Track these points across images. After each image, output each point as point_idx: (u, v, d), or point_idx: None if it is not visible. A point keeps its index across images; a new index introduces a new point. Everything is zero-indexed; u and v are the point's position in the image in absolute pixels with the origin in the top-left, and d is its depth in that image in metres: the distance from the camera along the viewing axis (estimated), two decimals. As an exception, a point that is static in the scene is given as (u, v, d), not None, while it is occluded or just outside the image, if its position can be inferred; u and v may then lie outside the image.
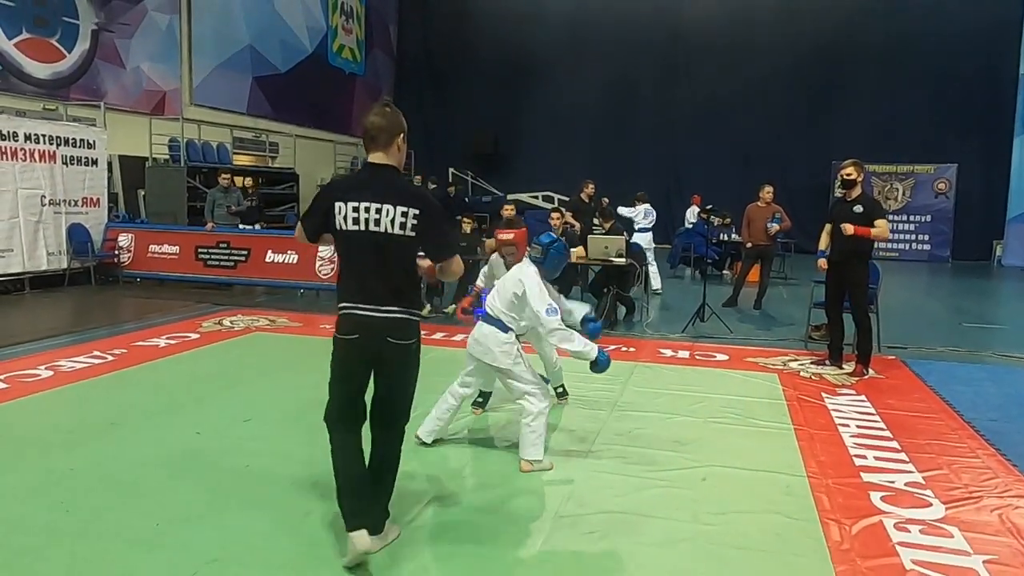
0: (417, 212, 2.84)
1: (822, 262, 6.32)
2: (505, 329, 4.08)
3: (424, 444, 4.26)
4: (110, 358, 6.32)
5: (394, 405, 3.04)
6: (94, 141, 10.98)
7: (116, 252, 11.01)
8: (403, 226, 2.84)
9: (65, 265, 10.50)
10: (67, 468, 3.92)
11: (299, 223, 3.09)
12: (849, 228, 5.93)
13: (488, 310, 4.15)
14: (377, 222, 2.84)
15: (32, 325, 7.87)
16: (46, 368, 5.91)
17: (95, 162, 11.01)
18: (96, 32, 12.54)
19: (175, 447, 4.26)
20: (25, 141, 9.88)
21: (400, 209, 2.83)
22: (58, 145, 10.36)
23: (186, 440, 4.39)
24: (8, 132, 9.66)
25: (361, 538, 2.85)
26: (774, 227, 9.45)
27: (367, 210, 2.85)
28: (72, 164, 10.59)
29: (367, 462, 3.03)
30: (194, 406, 5.06)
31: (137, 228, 11.43)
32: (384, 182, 2.90)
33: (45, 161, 10.17)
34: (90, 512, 3.40)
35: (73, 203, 10.65)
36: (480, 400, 4.91)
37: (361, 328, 2.91)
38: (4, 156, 9.59)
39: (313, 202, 3.04)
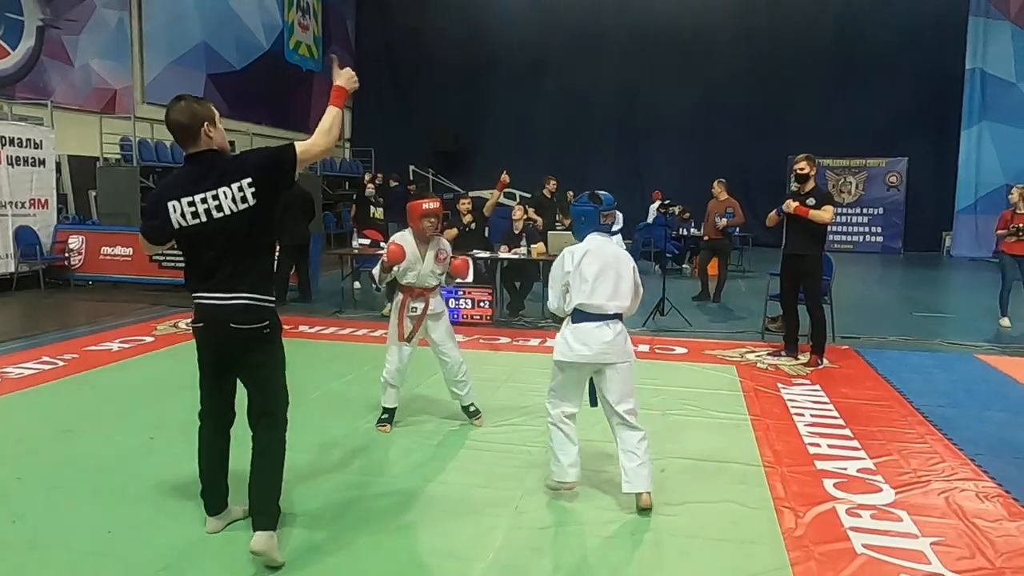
0: (250, 180, 2.83)
1: (772, 214, 6.41)
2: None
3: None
4: (60, 363, 6.15)
5: (258, 396, 3.03)
6: (41, 141, 10.67)
7: (66, 254, 10.73)
8: (244, 199, 2.84)
9: (12, 269, 10.18)
10: (14, 478, 3.81)
11: (141, 233, 3.02)
12: (791, 204, 6.09)
13: (612, 308, 3.50)
14: (219, 208, 2.83)
15: (-22, 331, 7.62)
16: (-7, 375, 5.73)
17: (43, 162, 10.69)
18: (42, 28, 12.18)
19: (128, 453, 4.17)
20: (-32, 141, 9.58)
21: (235, 186, 2.83)
22: (3, 145, 10.04)
23: (139, 446, 4.30)
24: (-50, 132, 9.35)
25: (211, 522, 3.16)
26: (722, 221, 9.69)
27: (204, 201, 2.84)
28: (18, 164, 10.28)
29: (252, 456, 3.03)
30: (148, 411, 4.95)
31: (88, 230, 11.15)
32: (209, 169, 2.89)
33: (-11, 162, 9.87)
34: (39, 522, 3.31)
35: (20, 205, 10.34)
36: (386, 417, 4.60)
37: (207, 316, 2.93)
38: (-54, 157, 9.28)
39: (147, 206, 3.03)
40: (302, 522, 3.32)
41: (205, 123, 2.91)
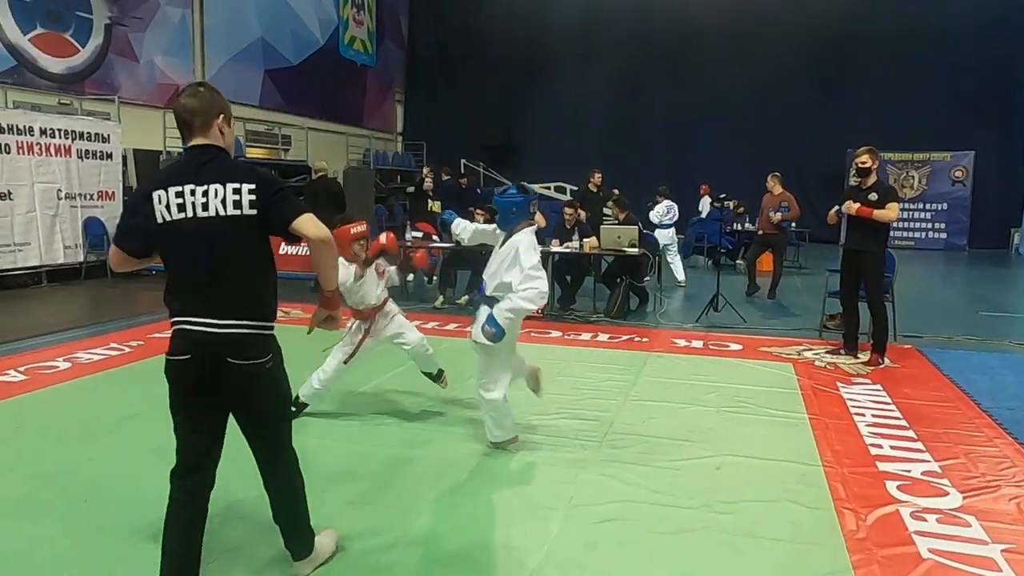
0: (252, 187, 2.41)
1: (832, 212, 6.33)
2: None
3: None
4: (127, 350, 6.38)
5: (261, 438, 2.63)
6: (108, 135, 11.07)
7: (131, 245, 11.08)
8: (237, 204, 2.40)
9: (81, 258, 10.60)
10: (85, 459, 3.97)
11: (114, 243, 2.58)
12: (853, 206, 5.92)
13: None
14: (205, 206, 2.39)
15: (50, 318, 7.95)
16: (64, 360, 5.97)
17: (110, 156, 11.09)
18: (109, 26, 12.61)
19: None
20: (41, 135, 9.97)
21: (231, 187, 2.40)
22: (73, 139, 10.44)
23: (202, 430, 4.42)
24: (24, 127, 9.75)
25: None
26: (776, 216, 9.52)
27: (192, 193, 2.40)
28: (87, 158, 10.68)
29: (270, 501, 2.71)
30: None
31: (152, 221, 11.50)
32: (208, 163, 2.47)
33: (61, 155, 10.26)
34: (107, 502, 3.44)
35: (89, 197, 10.74)
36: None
37: (194, 347, 2.43)
38: (21, 150, 9.68)
39: (129, 202, 2.57)
40: (355, 510, 3.38)
41: (221, 115, 2.52)
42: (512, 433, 4.14)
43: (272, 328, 2.55)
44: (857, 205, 5.93)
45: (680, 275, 10.63)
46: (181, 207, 2.41)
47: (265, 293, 2.52)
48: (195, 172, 2.44)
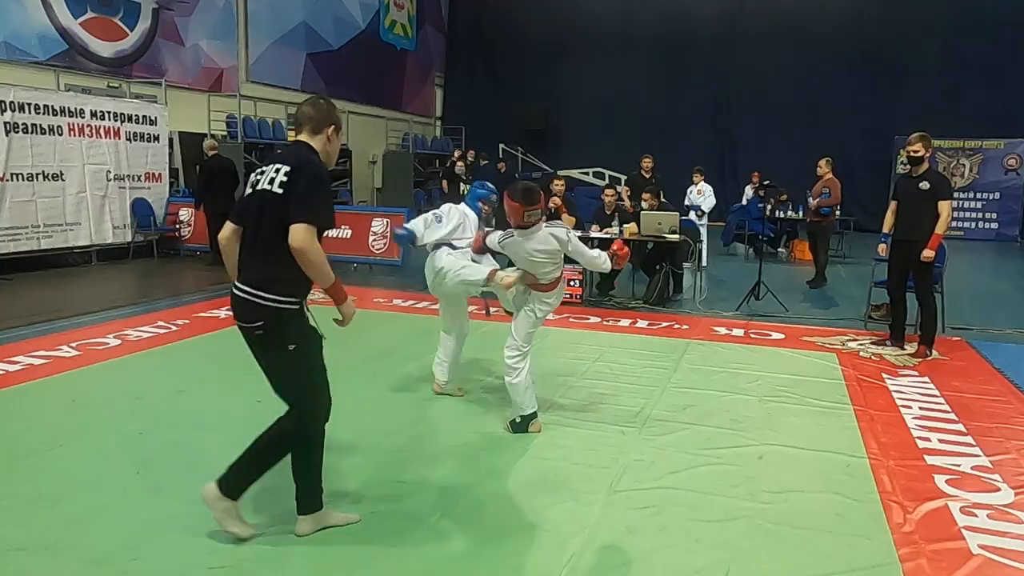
0: (288, 169, 2.76)
1: (882, 247, 6.15)
2: None
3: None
4: (174, 328, 6.53)
5: (274, 389, 3.03)
6: (156, 118, 11.27)
7: (177, 226, 11.32)
8: (272, 181, 2.77)
9: (129, 238, 10.85)
10: (136, 432, 4.08)
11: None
12: (930, 254, 5.77)
13: None
14: (259, 182, 2.82)
15: (100, 296, 8.16)
16: (114, 337, 6.14)
17: (157, 138, 11.30)
18: (156, 11, 12.81)
19: (237, 413, 4.38)
20: (91, 118, 10.20)
21: (277, 167, 2.79)
22: (122, 122, 10.66)
23: (247, 407, 4.50)
24: (75, 109, 9.98)
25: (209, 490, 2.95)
26: (813, 202, 9.40)
27: (262, 172, 2.84)
28: (135, 140, 10.90)
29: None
30: (254, 375, 5.10)
31: (197, 203, 11.71)
32: (287, 152, 2.90)
33: (110, 137, 10.49)
34: (158, 474, 3.54)
35: (136, 178, 10.97)
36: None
37: (231, 305, 2.88)
38: (72, 132, 9.92)
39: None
40: (398, 488, 3.43)
41: (332, 127, 2.94)
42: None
43: (273, 302, 2.75)
44: (930, 254, 5.76)
45: (703, 259, 10.44)
46: (256, 183, 2.83)
47: (273, 268, 2.74)
48: (276, 158, 2.88)
